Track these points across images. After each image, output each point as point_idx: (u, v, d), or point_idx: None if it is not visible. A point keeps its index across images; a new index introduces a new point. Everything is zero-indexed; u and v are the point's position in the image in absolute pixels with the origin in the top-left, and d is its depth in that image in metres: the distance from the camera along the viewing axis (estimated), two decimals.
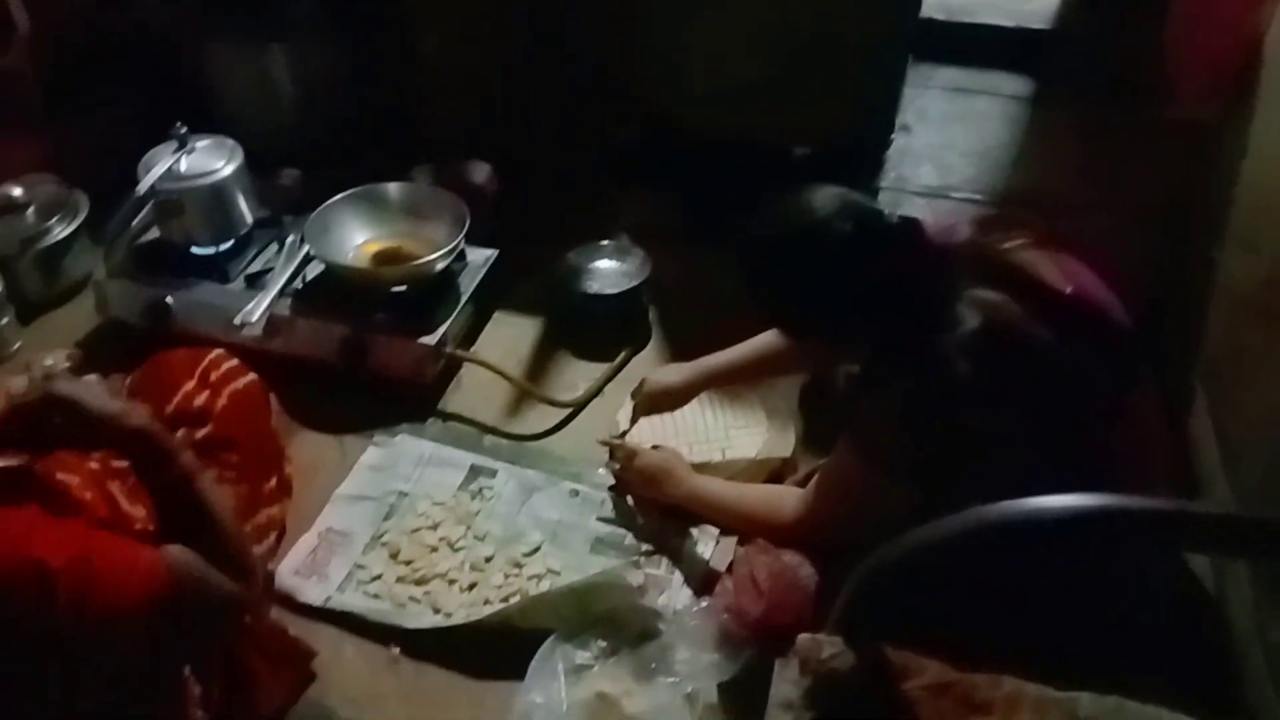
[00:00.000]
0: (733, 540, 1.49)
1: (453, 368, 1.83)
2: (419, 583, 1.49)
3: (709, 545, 1.51)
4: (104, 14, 2.24)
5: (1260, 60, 1.62)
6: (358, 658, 1.42)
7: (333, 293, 1.81)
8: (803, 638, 0.93)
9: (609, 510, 1.59)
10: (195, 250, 1.87)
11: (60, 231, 1.99)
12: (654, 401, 1.63)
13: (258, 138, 1.95)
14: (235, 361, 1.57)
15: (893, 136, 2.34)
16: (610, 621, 1.39)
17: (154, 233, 1.88)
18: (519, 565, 1.51)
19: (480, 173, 2.12)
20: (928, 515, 0.88)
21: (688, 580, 1.48)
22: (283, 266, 1.86)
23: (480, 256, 1.91)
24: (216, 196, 1.82)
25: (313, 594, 1.48)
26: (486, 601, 1.46)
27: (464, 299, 1.84)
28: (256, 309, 1.77)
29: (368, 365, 1.76)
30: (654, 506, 1.57)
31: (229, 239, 1.87)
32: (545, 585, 1.47)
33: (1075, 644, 1.03)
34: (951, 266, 1.24)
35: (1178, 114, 1.89)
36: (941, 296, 1.21)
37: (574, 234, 2.02)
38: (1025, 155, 2.39)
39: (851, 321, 1.26)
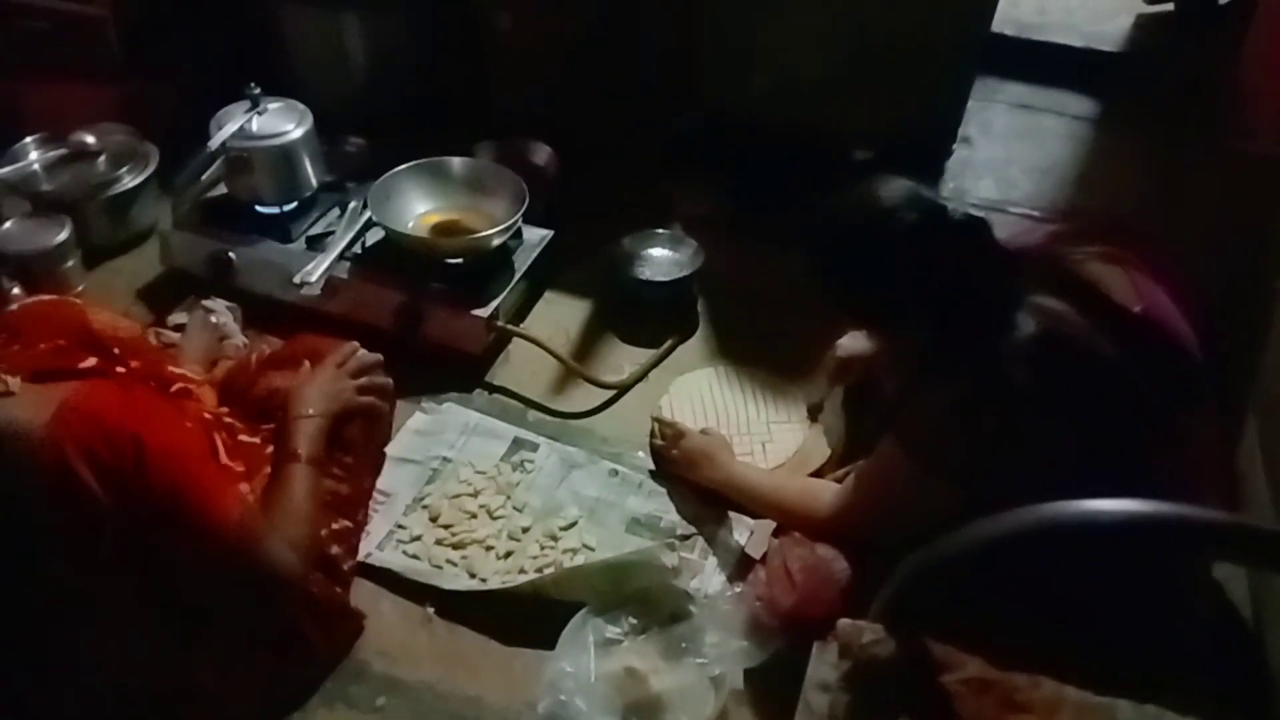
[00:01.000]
0: (768, 530, 1.49)
1: (502, 342, 1.85)
2: (456, 547, 1.51)
3: (744, 533, 1.52)
4: None
5: None
6: (394, 614, 1.44)
7: (391, 260, 1.83)
8: (843, 622, 0.93)
9: (648, 492, 1.60)
10: (260, 208, 1.90)
11: (130, 181, 2.04)
12: (845, 367, 1.64)
13: (328, 104, 1.98)
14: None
15: (955, 147, 2.33)
16: (643, 600, 1.40)
17: (221, 189, 1.91)
18: (555, 538, 1.53)
19: (541, 154, 2.14)
20: (965, 517, 0.88)
21: (721, 566, 1.49)
22: (344, 230, 1.89)
23: (536, 235, 1.93)
24: (284, 157, 1.85)
25: None
26: (521, 571, 1.47)
27: (518, 276, 1.86)
28: (316, 269, 1.80)
29: (420, 333, 1.78)
30: (693, 490, 1.58)
31: (293, 200, 1.91)
32: (579, 560, 1.48)
33: (1114, 651, 1.03)
34: (1020, 271, 1.24)
35: (1251, 147, 1.86)
36: (1003, 298, 1.21)
37: (628, 220, 2.03)
38: (1088, 175, 2.36)
39: (910, 311, 1.26)
